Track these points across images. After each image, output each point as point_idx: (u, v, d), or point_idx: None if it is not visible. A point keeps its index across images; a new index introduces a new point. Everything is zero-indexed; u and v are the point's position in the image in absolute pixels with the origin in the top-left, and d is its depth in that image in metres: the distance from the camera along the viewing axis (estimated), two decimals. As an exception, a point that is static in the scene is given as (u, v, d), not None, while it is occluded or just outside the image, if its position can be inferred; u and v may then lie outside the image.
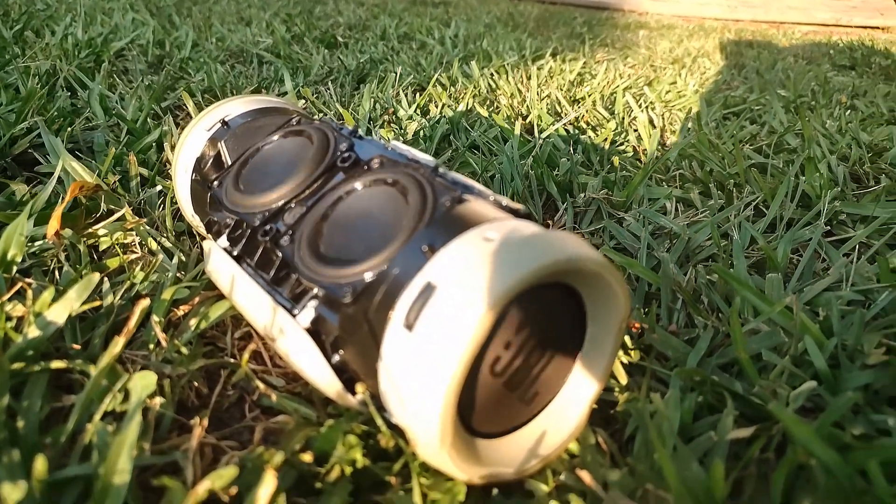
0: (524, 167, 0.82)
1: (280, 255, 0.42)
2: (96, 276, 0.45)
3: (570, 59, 1.74)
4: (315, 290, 0.39)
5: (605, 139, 1.02)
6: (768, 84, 1.74)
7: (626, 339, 0.52)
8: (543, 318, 0.38)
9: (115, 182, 0.67)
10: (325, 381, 0.39)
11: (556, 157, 0.89)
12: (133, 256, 0.53)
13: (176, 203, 0.60)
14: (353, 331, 0.37)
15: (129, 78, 1.16)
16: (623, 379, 0.48)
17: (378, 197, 0.42)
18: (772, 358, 0.49)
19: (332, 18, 2.12)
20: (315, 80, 1.25)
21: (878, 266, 0.62)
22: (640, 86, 1.52)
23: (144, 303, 0.41)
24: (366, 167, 0.45)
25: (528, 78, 1.41)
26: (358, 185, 0.43)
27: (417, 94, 1.19)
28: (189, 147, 0.55)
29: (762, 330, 0.54)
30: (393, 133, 0.96)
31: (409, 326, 0.33)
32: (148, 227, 0.59)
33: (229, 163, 0.52)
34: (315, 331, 0.39)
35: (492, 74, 1.39)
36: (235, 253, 0.46)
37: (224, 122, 0.54)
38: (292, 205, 0.45)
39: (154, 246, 0.57)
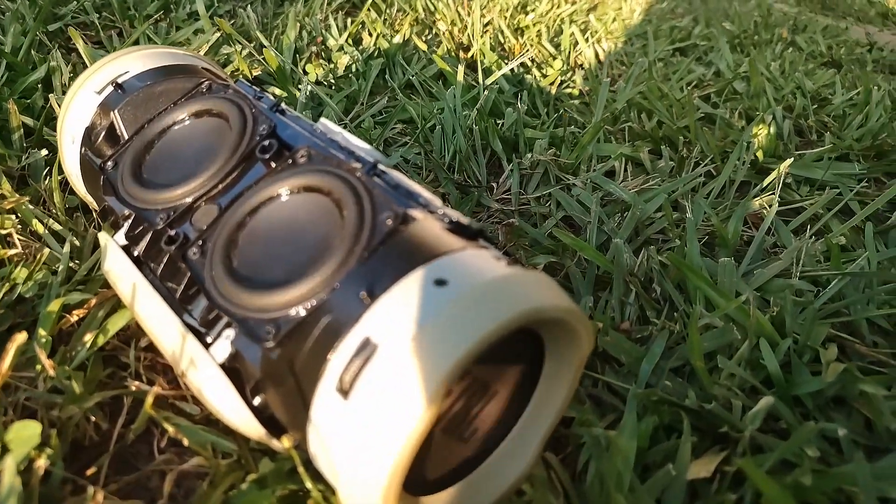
0: (468, 119, 0.75)
1: (189, 269, 0.36)
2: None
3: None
4: (231, 321, 0.33)
5: (552, 82, 0.96)
6: (712, 14, 1.69)
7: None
8: (492, 361, 0.33)
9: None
10: (245, 425, 0.34)
11: (500, 105, 0.83)
12: (12, 252, 0.45)
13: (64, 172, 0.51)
14: (278, 379, 0.32)
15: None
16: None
17: (306, 207, 0.36)
18: (726, 365, 0.47)
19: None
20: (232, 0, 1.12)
21: (829, 249, 0.60)
22: (585, 12, 1.45)
23: (21, 338, 0.34)
24: (290, 161, 0.38)
25: (468, 4, 1.31)
26: (283, 190, 0.36)
27: (349, 21, 1.08)
28: (76, 112, 0.46)
29: (716, 325, 0.51)
30: (322, 70, 0.87)
31: (345, 392, 0.28)
32: (31, 206, 0.50)
33: (125, 136, 0.44)
34: (232, 368, 0.34)
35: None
36: (136, 254, 0.39)
37: (118, 86, 0.45)
38: (202, 203, 0.38)
39: (40, 229, 0.48)
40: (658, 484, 0.38)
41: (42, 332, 0.40)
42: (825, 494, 0.38)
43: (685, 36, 1.38)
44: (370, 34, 1.01)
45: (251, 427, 0.34)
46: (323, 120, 0.42)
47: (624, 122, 0.86)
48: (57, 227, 0.49)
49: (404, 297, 0.29)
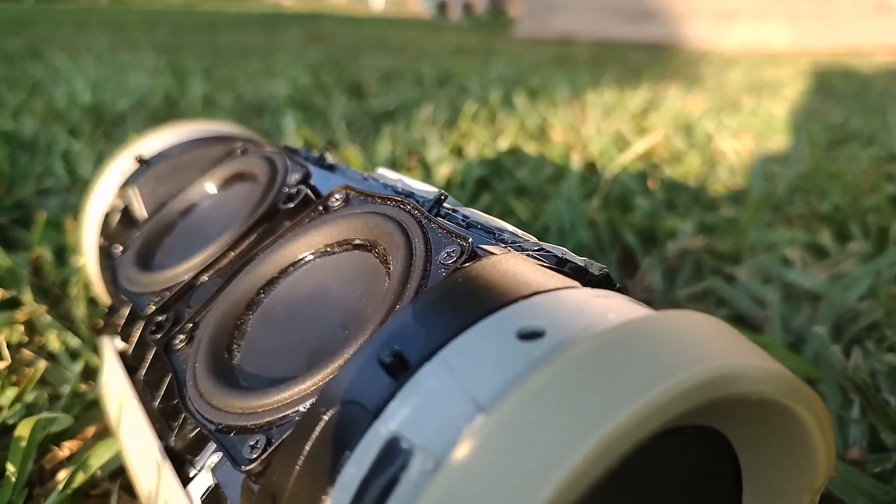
0: (587, 212, 0.64)
1: (171, 367, 0.25)
2: None
3: (632, 90, 1.57)
4: (215, 439, 0.22)
5: (687, 173, 0.83)
6: (868, 107, 1.53)
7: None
8: (649, 495, 0.19)
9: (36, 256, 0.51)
10: None
11: (629, 198, 0.71)
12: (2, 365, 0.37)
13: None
14: None
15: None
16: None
17: (341, 271, 0.25)
18: None
19: (365, 69, 2.02)
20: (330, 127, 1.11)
21: None
22: (717, 116, 1.34)
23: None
24: (321, 207, 0.28)
25: (584, 111, 1.24)
26: (307, 251, 0.26)
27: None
28: (99, 199, 0.39)
29: None
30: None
31: None
32: (51, 318, 0.42)
33: (145, 216, 0.36)
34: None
35: (540, 111, 1.23)
36: (131, 361, 0.29)
37: (142, 161, 0.38)
38: (204, 278, 0.28)
39: (56, 346, 0.40)
40: None
41: (10, 467, 0.30)
42: None
43: (839, 126, 1.23)
44: (473, 144, 0.94)
45: None
46: (381, 170, 0.32)
47: (787, 208, 0.72)
48: (75, 342, 0.41)
49: (460, 363, 0.16)
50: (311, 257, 0.26)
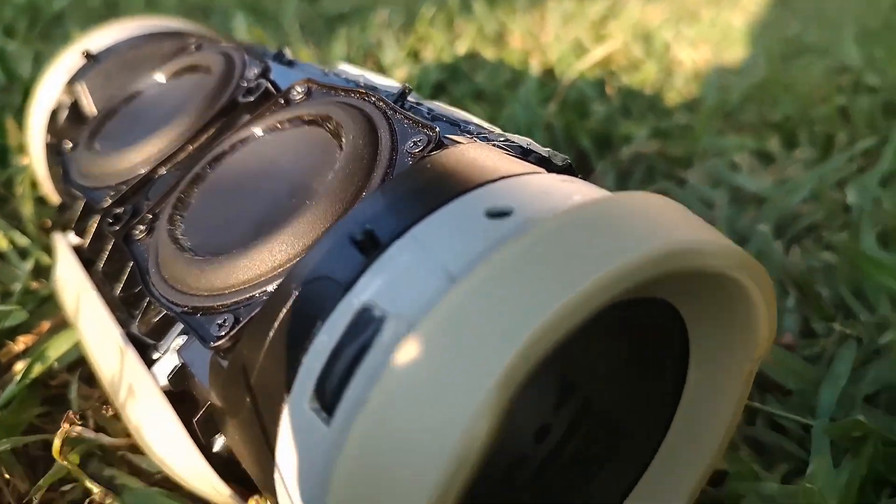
0: (543, 117, 0.64)
1: (132, 256, 0.26)
2: None
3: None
4: (181, 321, 0.23)
5: (644, 81, 0.84)
6: (825, 21, 1.54)
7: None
8: (605, 367, 0.21)
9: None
10: (202, 482, 0.23)
11: (586, 104, 0.72)
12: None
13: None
14: (233, 401, 0.20)
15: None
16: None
17: (292, 145, 0.25)
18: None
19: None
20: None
21: None
22: (676, 26, 1.33)
23: None
24: (282, 100, 0.28)
25: (543, 17, 1.22)
26: (257, 128, 0.26)
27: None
28: (44, 95, 0.38)
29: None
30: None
31: (326, 409, 0.17)
32: (-2, 217, 0.42)
33: (94, 112, 0.35)
34: (182, 393, 0.23)
35: (498, 16, 1.21)
36: (87, 254, 0.30)
37: (89, 56, 0.37)
38: (162, 171, 0.29)
39: (3, 244, 0.40)
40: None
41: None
42: None
43: (797, 36, 1.24)
44: (430, 48, 0.93)
45: (210, 486, 0.23)
46: (342, 65, 0.32)
47: (740, 116, 0.73)
48: (23, 241, 0.40)
49: (432, 240, 0.17)
50: (261, 133, 0.26)
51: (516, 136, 0.24)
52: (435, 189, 0.19)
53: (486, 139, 0.24)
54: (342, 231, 0.19)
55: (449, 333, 0.15)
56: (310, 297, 0.19)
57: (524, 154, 0.23)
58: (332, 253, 0.19)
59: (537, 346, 0.15)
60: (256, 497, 0.21)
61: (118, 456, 0.29)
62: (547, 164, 0.23)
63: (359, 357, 0.16)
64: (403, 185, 0.20)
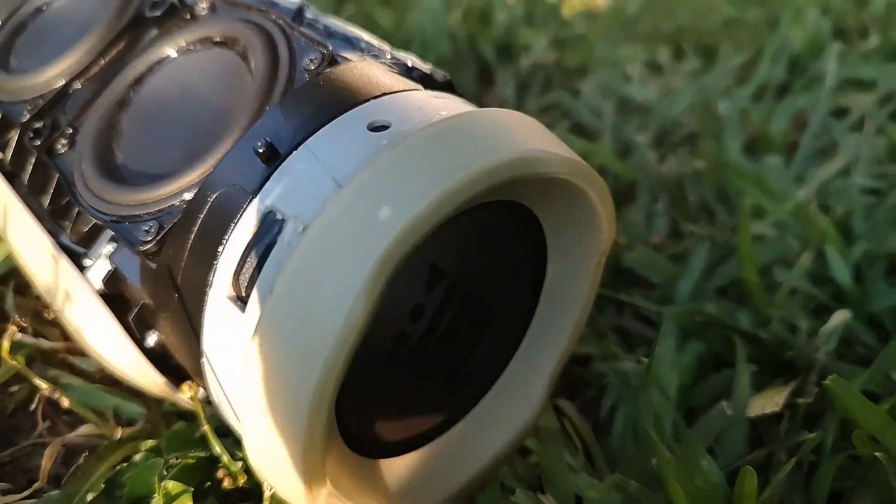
0: (448, 27, 0.66)
1: (57, 170, 0.27)
2: None
3: None
4: (110, 229, 0.25)
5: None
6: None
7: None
8: (473, 259, 0.25)
9: None
10: (139, 375, 0.26)
11: (490, 8, 0.73)
12: None
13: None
14: (162, 298, 0.23)
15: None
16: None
17: (204, 67, 0.27)
18: (786, 278, 0.38)
19: None
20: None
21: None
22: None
23: None
24: (189, 15, 0.29)
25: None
26: (171, 50, 0.28)
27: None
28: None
29: (767, 236, 0.42)
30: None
31: (241, 299, 0.20)
32: None
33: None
34: (116, 295, 0.25)
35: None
36: (9, 168, 0.31)
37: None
38: (77, 85, 0.30)
39: None
40: (711, 426, 0.29)
41: None
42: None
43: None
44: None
45: (146, 377, 0.25)
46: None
47: (637, 26, 0.77)
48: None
49: (322, 151, 0.20)
50: (175, 55, 0.28)
51: (402, 52, 0.27)
52: (326, 104, 0.22)
53: (375, 57, 0.26)
54: (247, 144, 0.22)
55: (336, 230, 0.18)
56: (224, 203, 0.22)
57: (408, 71, 0.26)
58: (240, 163, 0.22)
59: (407, 238, 0.18)
60: (189, 382, 0.24)
61: (59, 359, 0.31)
62: (429, 81, 0.26)
63: (265, 254, 0.20)
64: (299, 100, 0.23)
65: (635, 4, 0.80)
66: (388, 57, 0.26)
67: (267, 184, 0.21)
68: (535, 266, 0.26)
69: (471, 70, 0.61)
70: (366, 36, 0.27)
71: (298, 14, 0.28)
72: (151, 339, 0.26)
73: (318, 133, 0.21)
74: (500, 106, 0.58)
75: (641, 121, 0.55)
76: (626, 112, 0.58)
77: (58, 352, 0.32)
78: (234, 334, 0.20)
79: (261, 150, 0.21)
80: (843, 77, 0.69)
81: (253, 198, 0.21)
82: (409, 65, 0.26)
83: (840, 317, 0.34)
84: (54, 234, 0.28)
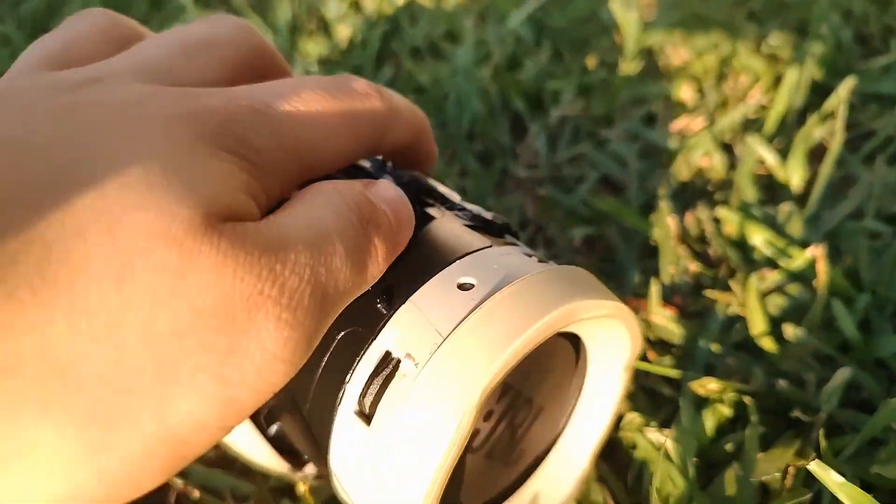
0: (482, 79, 0.71)
1: None
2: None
3: None
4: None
5: (577, 19, 0.90)
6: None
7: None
8: (535, 372, 0.31)
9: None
10: (265, 460, 0.33)
11: (519, 55, 0.78)
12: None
13: None
14: (293, 405, 0.30)
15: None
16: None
17: None
18: (793, 333, 0.43)
19: None
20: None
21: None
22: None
23: None
24: None
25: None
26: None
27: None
28: None
29: (779, 287, 0.47)
30: (323, 46, 0.83)
31: (366, 417, 0.26)
32: None
33: None
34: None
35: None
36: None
37: None
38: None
39: None
40: (721, 489, 0.35)
41: None
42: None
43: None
44: (371, -4, 0.97)
45: (271, 462, 0.32)
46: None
47: (659, 55, 0.81)
48: None
49: (425, 304, 0.26)
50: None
51: (469, 204, 0.33)
52: (423, 266, 0.28)
53: (450, 209, 0.32)
54: (370, 300, 0.28)
55: (442, 368, 0.25)
56: (349, 341, 0.28)
57: (474, 219, 0.32)
58: (364, 314, 0.28)
59: (496, 376, 0.24)
60: (301, 476, 0.30)
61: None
62: (490, 226, 0.32)
63: (387, 381, 0.26)
64: (402, 263, 0.28)
65: (658, 34, 0.84)
66: (458, 208, 0.32)
67: (384, 328, 0.27)
68: (579, 371, 0.33)
69: (503, 126, 0.67)
70: (439, 187, 0.33)
71: (382, 166, 0.34)
72: (273, 429, 0.32)
73: (419, 290, 0.27)
74: (534, 160, 0.64)
75: (664, 171, 0.60)
76: (652, 156, 0.62)
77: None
78: (360, 442, 0.26)
79: (379, 306, 0.27)
80: (862, 92, 0.72)
81: (374, 339, 0.27)
82: (475, 213, 0.32)
83: (843, 375, 0.39)
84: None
